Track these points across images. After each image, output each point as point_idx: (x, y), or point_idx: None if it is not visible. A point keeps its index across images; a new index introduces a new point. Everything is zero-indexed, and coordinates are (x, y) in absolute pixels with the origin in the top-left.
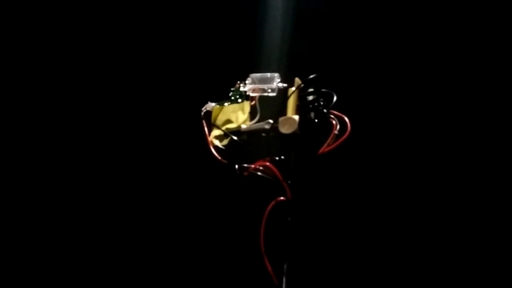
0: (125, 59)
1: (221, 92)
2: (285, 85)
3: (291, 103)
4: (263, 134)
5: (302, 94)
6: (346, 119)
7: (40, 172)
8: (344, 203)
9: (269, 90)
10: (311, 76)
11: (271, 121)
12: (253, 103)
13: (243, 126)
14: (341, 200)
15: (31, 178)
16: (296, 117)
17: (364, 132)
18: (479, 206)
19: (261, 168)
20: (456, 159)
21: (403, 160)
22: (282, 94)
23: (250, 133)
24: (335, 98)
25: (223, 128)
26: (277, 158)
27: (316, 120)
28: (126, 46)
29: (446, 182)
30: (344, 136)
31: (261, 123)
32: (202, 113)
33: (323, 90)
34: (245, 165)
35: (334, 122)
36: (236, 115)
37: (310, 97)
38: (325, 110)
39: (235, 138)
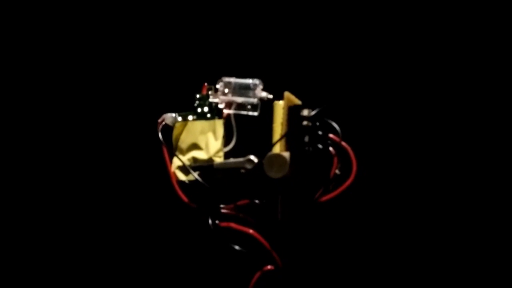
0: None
1: (182, 97)
2: (270, 96)
3: (279, 130)
4: (243, 171)
5: (293, 117)
6: (352, 154)
7: None
8: (346, 265)
9: (249, 107)
10: (317, 110)
11: (254, 158)
12: (226, 114)
13: (217, 160)
14: (342, 260)
15: None
16: (287, 155)
17: (374, 171)
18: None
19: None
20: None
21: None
22: (266, 108)
23: (225, 170)
24: (338, 129)
25: (189, 156)
26: (257, 202)
27: (312, 151)
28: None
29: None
30: (349, 180)
31: (241, 160)
32: (159, 128)
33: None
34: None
35: (335, 157)
36: (206, 139)
37: (304, 122)
38: (320, 146)
39: (201, 180)
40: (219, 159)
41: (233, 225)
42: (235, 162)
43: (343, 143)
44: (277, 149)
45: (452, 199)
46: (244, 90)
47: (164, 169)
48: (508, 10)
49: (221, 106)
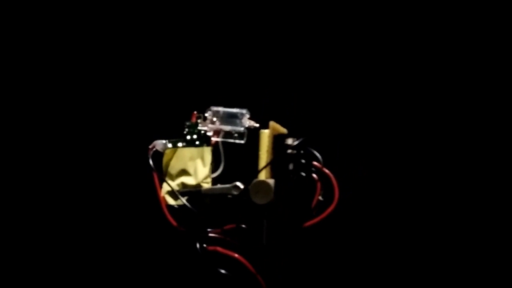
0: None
1: (172, 125)
2: (256, 125)
3: (264, 157)
4: (230, 197)
5: (278, 145)
6: (334, 181)
7: None
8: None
9: (236, 135)
10: (301, 139)
11: (240, 185)
12: (214, 141)
13: (205, 186)
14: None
15: None
16: (272, 182)
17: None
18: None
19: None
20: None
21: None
22: (252, 136)
23: (213, 196)
24: (320, 158)
25: (178, 182)
26: (243, 226)
27: (296, 178)
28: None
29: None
30: (332, 206)
31: (228, 186)
32: (150, 154)
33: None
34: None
35: (318, 183)
36: (195, 166)
37: (289, 151)
38: (303, 174)
39: (188, 205)
40: (207, 185)
41: (219, 249)
42: (222, 188)
43: (326, 170)
44: (262, 176)
45: (437, 225)
46: (231, 119)
47: (154, 193)
48: (508, 10)
49: (209, 134)
